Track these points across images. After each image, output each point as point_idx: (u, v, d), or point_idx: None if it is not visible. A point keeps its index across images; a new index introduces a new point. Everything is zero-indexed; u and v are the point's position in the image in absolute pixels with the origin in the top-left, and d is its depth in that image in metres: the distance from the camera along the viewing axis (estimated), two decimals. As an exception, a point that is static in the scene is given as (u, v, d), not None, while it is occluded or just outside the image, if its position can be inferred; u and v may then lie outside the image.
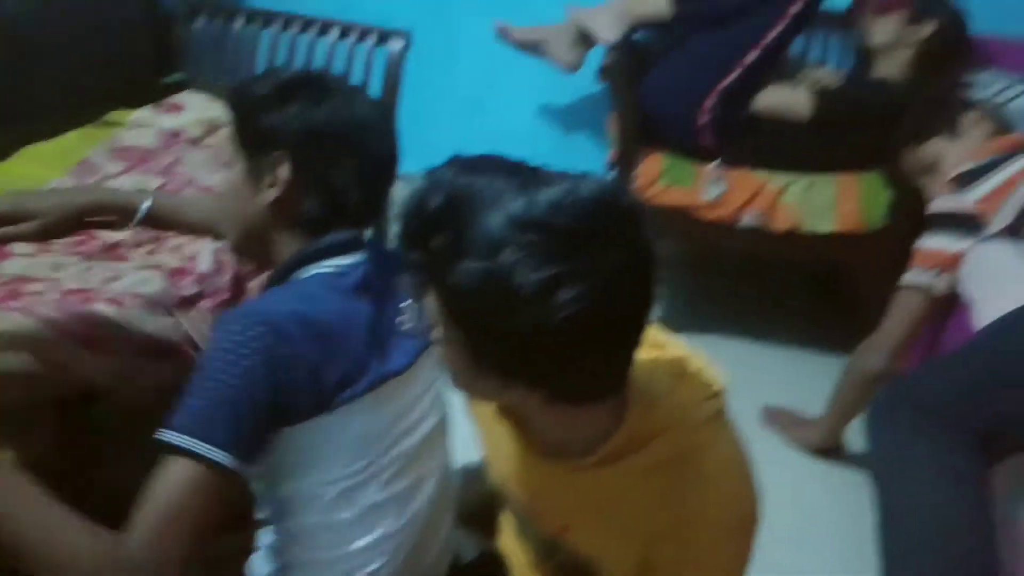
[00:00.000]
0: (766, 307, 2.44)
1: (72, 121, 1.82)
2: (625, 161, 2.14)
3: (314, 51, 2.14)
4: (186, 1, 2.20)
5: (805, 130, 2.09)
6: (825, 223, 2.04)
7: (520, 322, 0.72)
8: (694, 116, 2.11)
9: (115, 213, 1.40)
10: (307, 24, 2.15)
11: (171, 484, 0.85)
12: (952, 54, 2.15)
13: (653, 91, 2.17)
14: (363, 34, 2.12)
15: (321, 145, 1.03)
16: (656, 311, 0.79)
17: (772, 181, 2.07)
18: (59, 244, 1.34)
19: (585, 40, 2.22)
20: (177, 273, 1.33)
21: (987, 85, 2.06)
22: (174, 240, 1.41)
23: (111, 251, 1.35)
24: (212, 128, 1.87)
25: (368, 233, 1.11)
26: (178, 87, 2.07)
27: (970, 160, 1.73)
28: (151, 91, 2.01)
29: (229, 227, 1.12)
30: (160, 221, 1.40)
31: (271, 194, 1.03)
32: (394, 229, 2.15)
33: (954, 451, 1.33)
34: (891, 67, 2.14)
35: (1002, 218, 1.58)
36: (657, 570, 0.89)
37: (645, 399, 0.85)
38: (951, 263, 1.61)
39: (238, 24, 2.18)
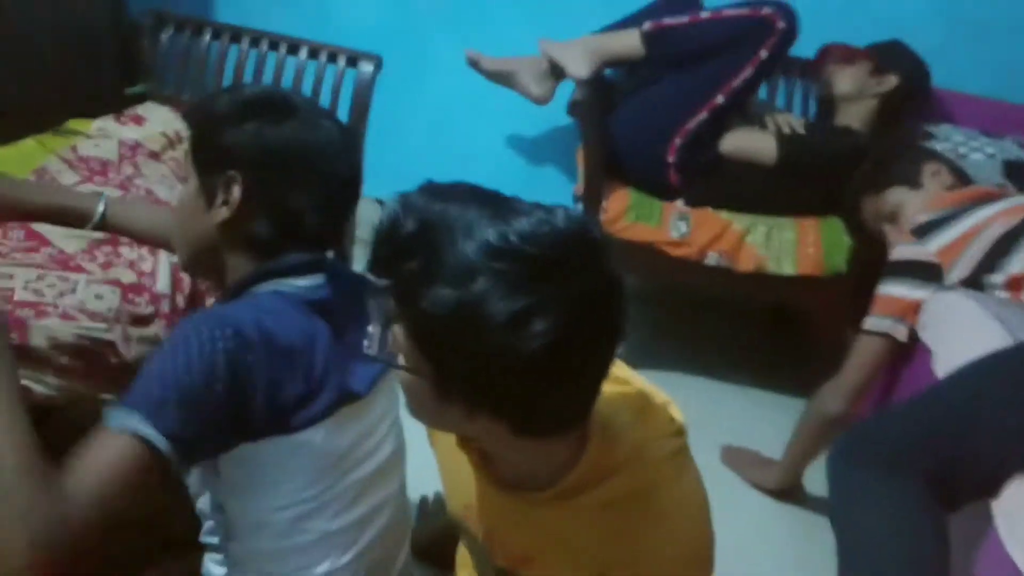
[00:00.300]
0: (726, 346, 2.46)
1: (30, 127, 1.77)
2: (591, 195, 2.14)
3: (282, 70, 2.12)
4: (153, 12, 2.16)
5: (769, 174, 2.13)
6: (787, 266, 2.06)
7: (490, 351, 0.71)
8: (661, 154, 2.13)
9: (66, 216, 1.36)
10: (276, 42, 2.13)
11: (115, 460, 0.83)
12: (913, 106, 2.21)
13: (621, 128, 2.19)
14: (333, 55, 2.10)
15: (276, 167, 1.01)
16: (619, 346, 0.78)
17: (736, 222, 2.10)
18: (8, 248, 1.29)
19: (556, 73, 2.23)
20: (133, 289, 1.29)
21: (946, 138, 2.12)
22: (131, 253, 1.37)
23: (65, 262, 1.30)
24: (172, 142, 1.83)
25: (329, 255, 1.10)
26: (140, 98, 2.03)
27: (929, 210, 1.76)
28: (113, 101, 1.97)
29: (180, 243, 1.10)
30: (114, 227, 1.37)
31: (221, 213, 1.01)
32: (357, 250, 2.14)
33: (908, 494, 1.34)
34: (853, 116, 2.20)
35: (960, 269, 1.61)
36: None
37: (606, 434, 0.84)
38: (911, 310, 1.63)
39: (205, 38, 2.14)
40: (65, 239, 1.33)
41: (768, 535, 1.79)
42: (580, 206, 2.16)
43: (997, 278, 1.57)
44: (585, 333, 0.73)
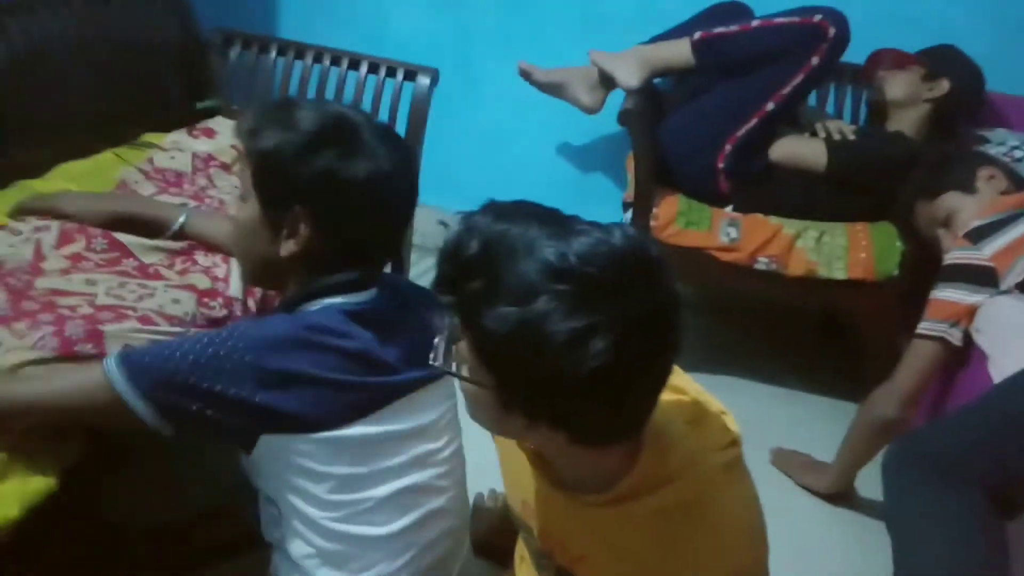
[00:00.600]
0: (776, 350, 2.46)
1: (108, 141, 1.87)
2: (642, 202, 2.17)
3: (344, 84, 2.19)
4: (221, 30, 2.26)
5: (820, 181, 2.13)
6: (838, 270, 2.07)
7: (550, 368, 0.73)
8: (711, 162, 2.15)
9: (147, 225, 1.43)
10: (337, 58, 2.21)
11: (80, 384, 0.97)
12: (967, 111, 2.20)
13: (671, 136, 2.21)
14: (391, 69, 2.17)
15: (344, 202, 1.02)
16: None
17: (787, 227, 2.10)
18: (92, 262, 1.37)
19: (606, 83, 2.26)
20: (207, 294, 1.36)
21: (1000, 142, 2.09)
22: (205, 260, 1.44)
23: (144, 269, 1.38)
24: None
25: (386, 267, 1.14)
26: (210, 113, 2.12)
27: (984, 215, 1.76)
28: (184, 116, 2.07)
29: (243, 261, 1.13)
30: (190, 236, 1.44)
31: (289, 247, 1.03)
32: (413, 256, 2.19)
33: (964, 505, 1.34)
34: (905, 122, 2.18)
35: (1016, 274, 1.60)
36: None
37: (660, 443, 0.86)
38: (965, 314, 1.63)
39: (271, 55, 2.23)
40: (145, 251, 1.41)
41: (819, 539, 1.79)
42: (630, 213, 2.19)
43: (1053, 282, 1.56)
44: (642, 350, 0.75)
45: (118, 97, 1.98)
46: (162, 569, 1.31)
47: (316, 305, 1.03)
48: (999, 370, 1.51)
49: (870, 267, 2.05)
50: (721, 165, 2.14)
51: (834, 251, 2.08)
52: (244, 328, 0.97)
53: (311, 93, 2.19)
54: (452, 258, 0.78)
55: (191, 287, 1.36)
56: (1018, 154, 2.06)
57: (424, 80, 2.14)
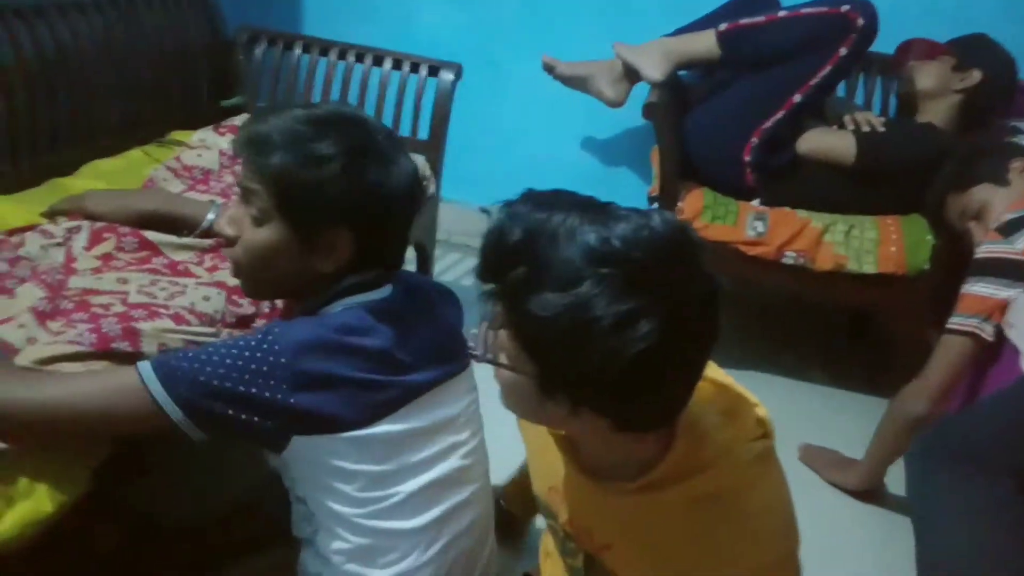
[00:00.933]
0: (804, 345, 2.44)
1: (135, 139, 1.89)
2: (667, 196, 2.16)
3: (367, 80, 2.20)
4: (247, 28, 2.27)
5: (848, 173, 2.11)
6: (867, 264, 2.04)
7: (597, 352, 0.74)
8: (737, 155, 2.13)
9: (176, 223, 1.44)
10: (361, 54, 2.21)
11: (113, 389, 0.96)
12: (998, 101, 2.16)
13: (697, 129, 2.20)
14: (415, 65, 2.18)
15: (383, 215, 1.04)
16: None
17: (815, 220, 2.08)
18: (124, 261, 1.39)
19: (631, 76, 2.25)
20: (236, 291, 1.37)
21: (1034, 133, 2.06)
22: (234, 259, 1.45)
23: (174, 266, 1.40)
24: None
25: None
26: (236, 110, 2.14)
27: (1016, 208, 1.73)
28: (210, 113, 2.09)
29: (263, 277, 1.07)
30: (218, 233, 1.44)
31: (327, 266, 1.03)
32: (437, 254, 2.19)
33: (992, 493, 1.33)
34: (935, 113, 2.16)
35: (1049, 267, 1.58)
36: None
37: (694, 432, 0.86)
38: (997, 309, 1.61)
39: (296, 52, 2.24)
40: (175, 249, 1.42)
41: (848, 536, 1.77)
42: (655, 207, 2.18)
43: (1087, 276, 1.54)
44: (687, 333, 0.76)
45: (146, 95, 2.01)
46: (191, 565, 1.32)
47: (339, 306, 1.04)
48: (1032, 365, 1.49)
49: (901, 261, 2.03)
50: (747, 158, 2.13)
51: (864, 245, 2.06)
52: (276, 332, 0.97)
53: (336, 89, 2.20)
54: (495, 246, 0.79)
55: (220, 284, 1.37)
56: (1052, 145, 2.02)
57: (448, 75, 2.14)
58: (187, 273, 1.38)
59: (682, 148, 2.18)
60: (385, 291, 1.06)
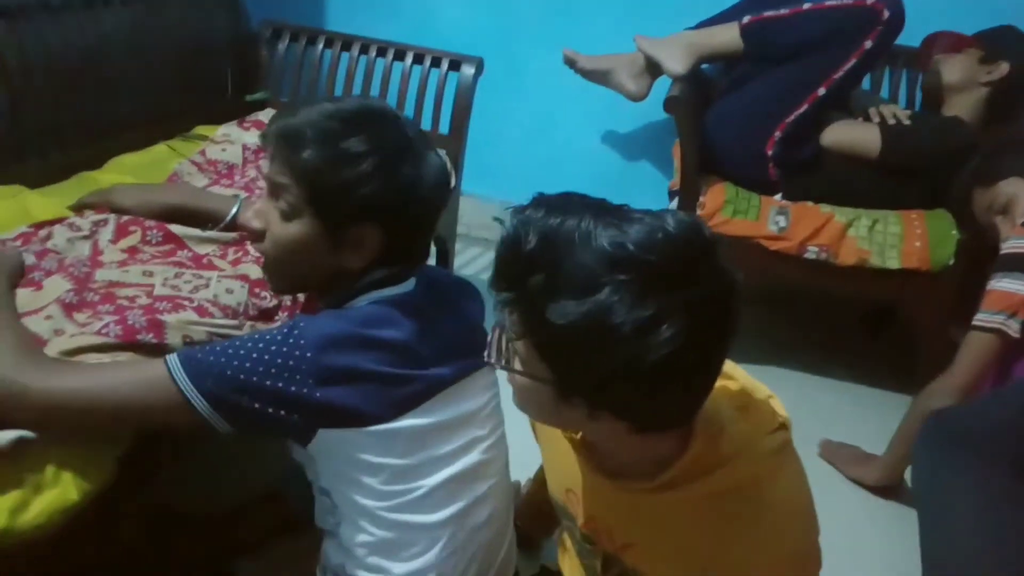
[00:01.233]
0: (827, 341, 2.43)
1: (160, 133, 1.91)
2: (688, 190, 2.15)
3: (389, 75, 2.21)
4: (269, 23, 2.29)
5: (873, 167, 2.09)
6: (891, 259, 2.02)
7: (617, 358, 0.74)
8: (760, 149, 2.12)
9: (200, 216, 1.46)
10: (383, 49, 2.22)
11: (141, 381, 0.96)
12: (1026, 95, 2.13)
13: (719, 123, 2.19)
14: (436, 59, 2.18)
15: (414, 212, 1.04)
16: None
17: (838, 215, 2.07)
18: (149, 254, 1.41)
19: (652, 70, 2.24)
20: (259, 284, 1.39)
21: (1062, 127, 2.03)
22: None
23: (199, 259, 1.41)
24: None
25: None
26: (259, 105, 2.15)
27: (1044, 202, 1.71)
28: (233, 108, 2.10)
29: (290, 271, 1.08)
30: (242, 227, 1.46)
31: (355, 261, 1.04)
32: (458, 248, 2.19)
33: (992, 481, 1.32)
34: (962, 107, 2.13)
35: (1076, 262, 1.56)
36: None
37: (711, 428, 0.86)
38: (1023, 305, 1.59)
39: (318, 47, 2.25)
40: (199, 242, 1.44)
41: (868, 531, 1.77)
42: (676, 202, 2.18)
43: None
44: (707, 334, 0.76)
45: (171, 90, 2.03)
46: (214, 555, 1.34)
47: (363, 300, 1.05)
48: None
49: (925, 256, 2.01)
50: (770, 152, 2.11)
51: (887, 240, 2.04)
52: (301, 327, 0.98)
53: (358, 84, 2.21)
54: (510, 253, 0.79)
55: (243, 277, 1.38)
56: (1081, 139, 1.99)
57: (469, 70, 2.14)
58: (211, 266, 1.40)
59: (704, 142, 2.17)
60: (408, 285, 1.07)
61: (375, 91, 2.21)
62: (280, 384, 0.94)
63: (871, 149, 2.07)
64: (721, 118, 2.19)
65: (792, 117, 2.08)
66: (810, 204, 2.11)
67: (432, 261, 2.16)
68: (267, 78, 2.25)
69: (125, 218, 1.44)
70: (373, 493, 1.01)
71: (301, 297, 1.43)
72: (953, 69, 2.14)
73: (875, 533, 1.77)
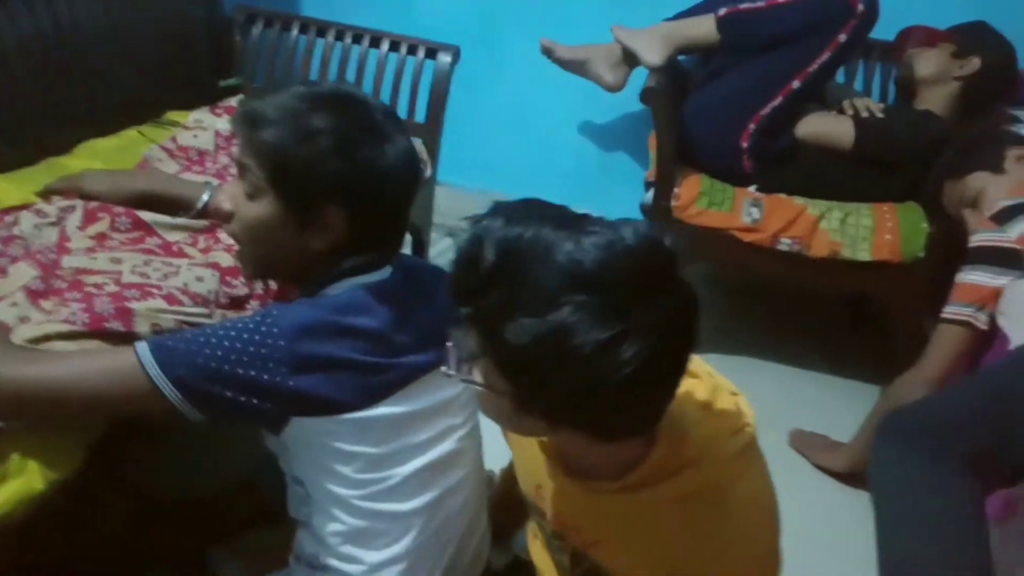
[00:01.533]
0: (800, 332, 2.45)
1: (132, 119, 1.88)
2: (664, 181, 2.16)
3: (365, 62, 2.19)
4: (244, 7, 2.26)
5: (846, 159, 2.11)
6: (862, 252, 2.05)
7: (577, 377, 0.73)
8: (735, 141, 2.13)
9: (171, 203, 1.44)
10: (359, 35, 2.20)
11: (110, 368, 0.95)
12: (997, 90, 2.15)
13: (695, 114, 2.20)
14: (413, 47, 2.16)
15: (378, 193, 1.03)
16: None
17: (811, 207, 2.09)
18: (118, 241, 1.39)
19: (629, 60, 2.24)
20: (230, 272, 1.37)
21: (1032, 122, 2.06)
22: (228, 238, 1.45)
23: (168, 247, 1.40)
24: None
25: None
26: (233, 91, 2.13)
27: (1012, 196, 1.73)
28: (207, 94, 2.07)
29: (257, 254, 1.08)
30: (213, 215, 1.44)
31: (318, 243, 1.03)
32: (433, 238, 2.18)
33: (944, 470, 1.35)
34: (934, 100, 2.15)
35: (1042, 256, 1.58)
36: None
37: (675, 431, 0.86)
38: (991, 298, 1.61)
39: (293, 32, 2.23)
40: (168, 229, 1.42)
41: (835, 518, 1.79)
42: (652, 192, 2.18)
43: (1080, 266, 1.54)
44: (668, 348, 0.75)
45: (142, 75, 1.99)
46: (188, 543, 1.33)
47: (337, 288, 1.04)
48: (1021, 352, 1.50)
49: (896, 248, 2.03)
50: (745, 144, 2.13)
51: (859, 232, 2.06)
52: (275, 315, 0.97)
53: (333, 70, 2.19)
54: (468, 269, 0.77)
55: (214, 265, 1.37)
56: (1049, 134, 2.02)
57: (445, 58, 2.13)
58: (181, 254, 1.38)
59: (680, 133, 2.17)
60: (384, 273, 1.06)
61: (351, 78, 2.19)
62: (253, 372, 0.94)
63: (845, 141, 2.09)
64: (697, 110, 2.19)
65: (767, 109, 2.09)
66: (783, 196, 2.13)
67: (408, 251, 2.15)
68: (241, 64, 2.22)
69: (93, 204, 1.41)
70: (347, 482, 1.01)
71: (273, 285, 1.42)
72: (926, 63, 2.17)
73: (842, 518, 1.80)
